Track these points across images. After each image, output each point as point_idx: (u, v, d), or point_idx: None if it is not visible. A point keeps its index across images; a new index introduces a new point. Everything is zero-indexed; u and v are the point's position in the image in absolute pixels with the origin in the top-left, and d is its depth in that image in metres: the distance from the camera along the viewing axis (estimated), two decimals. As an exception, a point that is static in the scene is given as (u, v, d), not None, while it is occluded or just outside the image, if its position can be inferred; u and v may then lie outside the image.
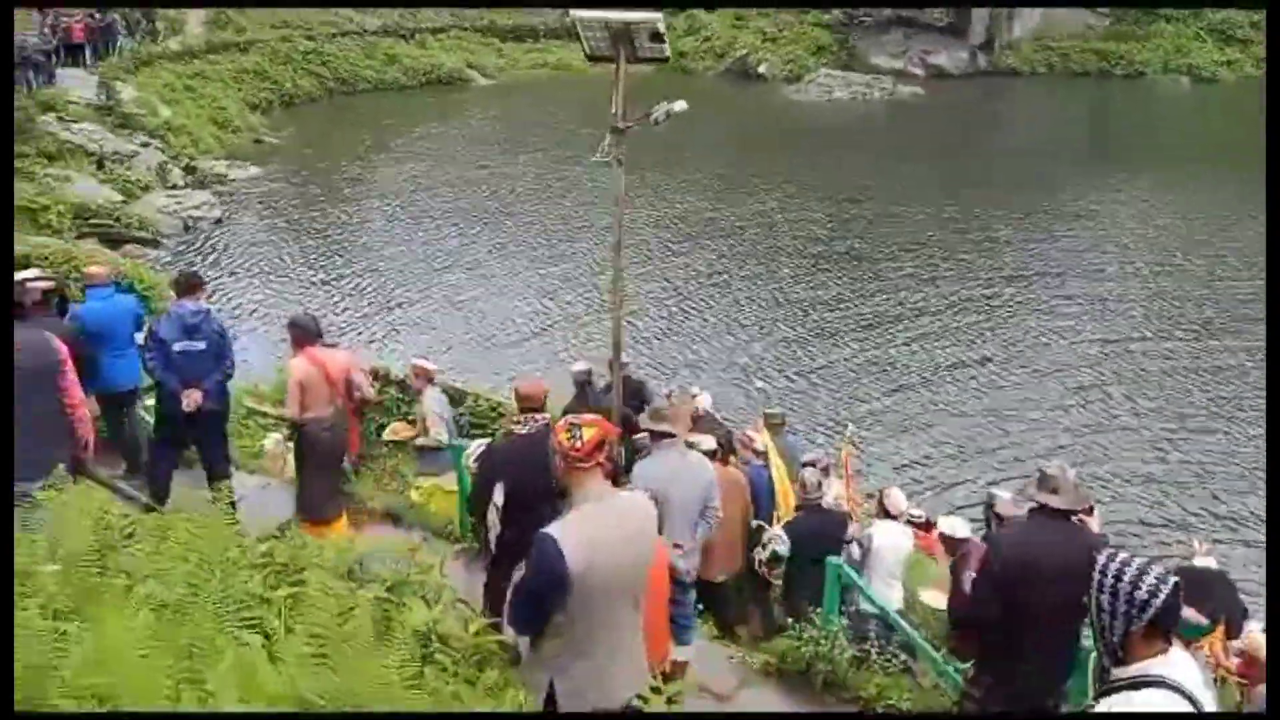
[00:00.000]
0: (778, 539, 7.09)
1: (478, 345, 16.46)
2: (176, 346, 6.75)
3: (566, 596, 3.24)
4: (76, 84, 25.45)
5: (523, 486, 4.98)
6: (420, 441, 8.74)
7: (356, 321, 17.30)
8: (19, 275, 6.92)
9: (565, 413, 6.87)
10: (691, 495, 5.83)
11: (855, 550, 7.13)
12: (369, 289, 18.97)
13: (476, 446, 6.38)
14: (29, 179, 20.45)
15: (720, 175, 27.85)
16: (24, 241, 15.57)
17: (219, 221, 21.98)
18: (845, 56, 45.33)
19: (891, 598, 6.99)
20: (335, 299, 18.33)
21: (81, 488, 4.77)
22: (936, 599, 7.00)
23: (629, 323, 14.44)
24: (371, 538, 6.75)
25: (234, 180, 25.22)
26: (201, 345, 6.82)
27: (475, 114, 36.50)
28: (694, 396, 9.35)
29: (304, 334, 7.08)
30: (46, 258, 13.14)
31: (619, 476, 5.38)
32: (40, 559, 3.48)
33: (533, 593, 3.34)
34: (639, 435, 6.90)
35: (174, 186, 23.35)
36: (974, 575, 4.93)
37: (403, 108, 36.80)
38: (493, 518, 5.19)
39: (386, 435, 9.69)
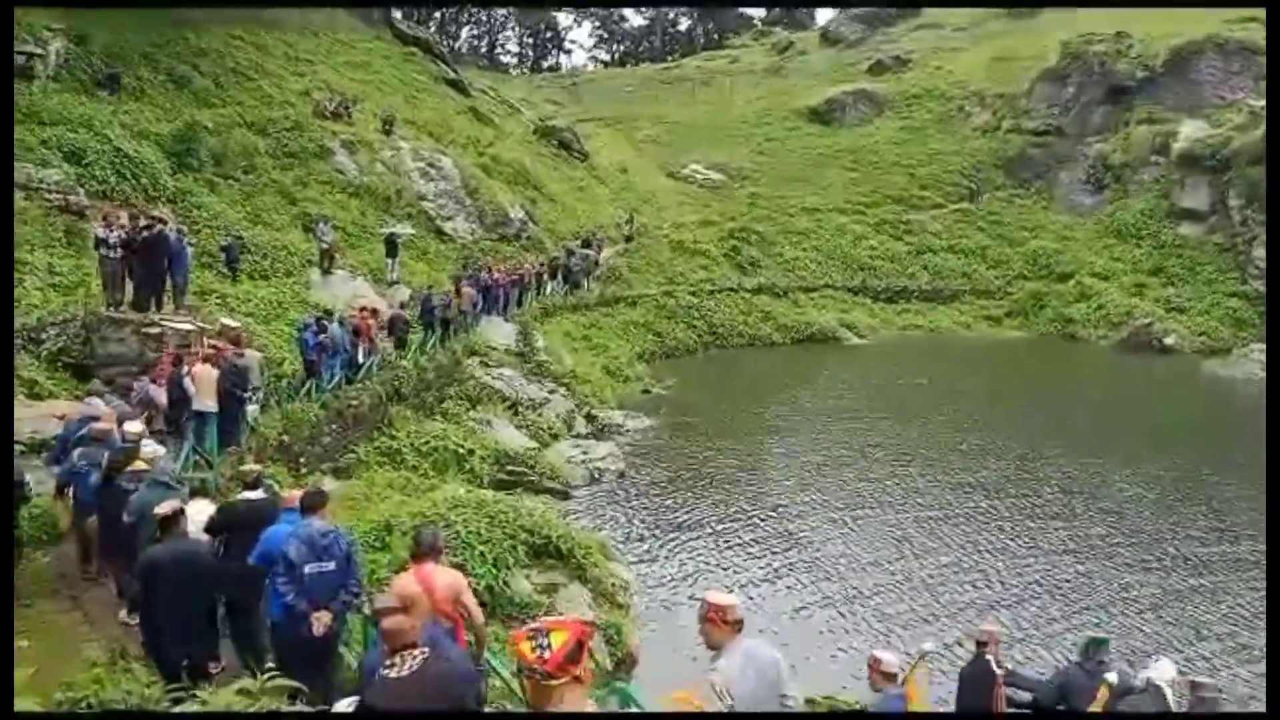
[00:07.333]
0: None
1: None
2: (307, 568, 6.58)
3: None
4: (496, 330, 26.55)
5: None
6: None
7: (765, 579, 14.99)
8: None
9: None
10: None
11: None
12: (770, 545, 16.89)
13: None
14: (455, 421, 20.76)
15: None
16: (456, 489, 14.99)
17: (622, 475, 21.08)
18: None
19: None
20: (740, 558, 16.30)
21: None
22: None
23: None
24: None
25: (630, 430, 24.71)
26: (331, 566, 6.68)
27: (853, 372, 35.05)
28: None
29: (420, 550, 6.55)
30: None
31: None
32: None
33: None
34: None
35: (578, 435, 23.07)
36: None
37: (778, 363, 36.33)
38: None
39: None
